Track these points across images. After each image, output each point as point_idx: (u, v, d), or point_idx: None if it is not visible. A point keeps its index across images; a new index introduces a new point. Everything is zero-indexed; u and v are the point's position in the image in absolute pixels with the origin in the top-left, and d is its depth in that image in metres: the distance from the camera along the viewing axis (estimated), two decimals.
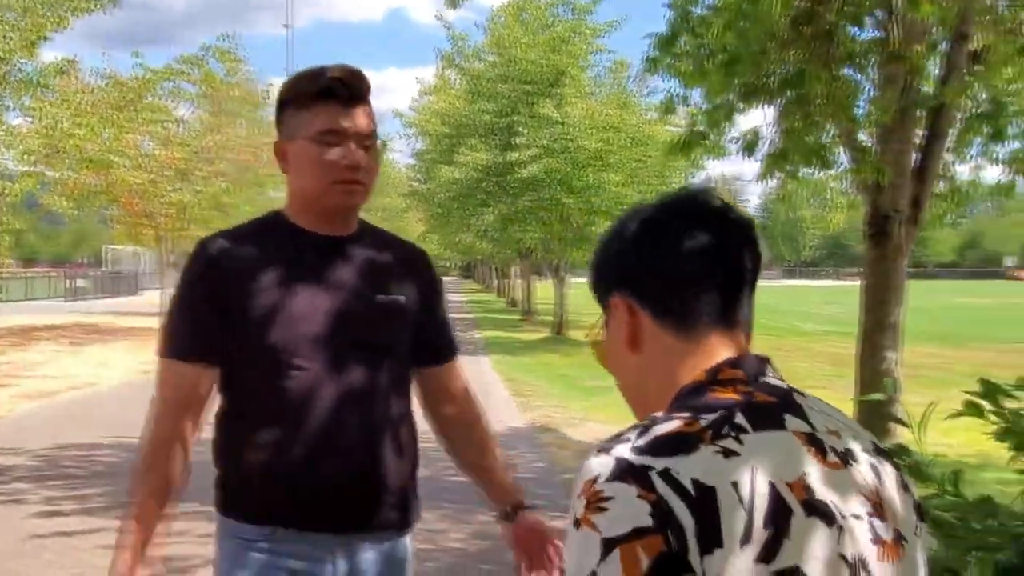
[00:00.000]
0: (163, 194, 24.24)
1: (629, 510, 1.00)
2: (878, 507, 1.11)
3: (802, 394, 1.18)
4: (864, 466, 1.13)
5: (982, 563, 2.60)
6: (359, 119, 2.12)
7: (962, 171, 8.65)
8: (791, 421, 1.11)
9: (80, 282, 45.89)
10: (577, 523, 1.03)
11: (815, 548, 1.03)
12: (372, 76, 2.23)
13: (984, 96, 6.74)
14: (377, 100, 2.22)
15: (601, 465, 1.05)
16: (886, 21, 5.37)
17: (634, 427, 1.10)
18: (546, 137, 22.07)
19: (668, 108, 9.10)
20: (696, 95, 9.38)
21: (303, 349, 2.09)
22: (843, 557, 1.05)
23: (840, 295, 50.41)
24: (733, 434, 1.05)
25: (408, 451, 2.23)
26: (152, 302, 32.44)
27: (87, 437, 9.56)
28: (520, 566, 2.30)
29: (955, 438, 10.05)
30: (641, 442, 1.05)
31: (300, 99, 2.13)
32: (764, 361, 1.18)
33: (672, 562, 0.98)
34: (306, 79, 2.14)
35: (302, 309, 2.11)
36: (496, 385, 15.09)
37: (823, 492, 1.06)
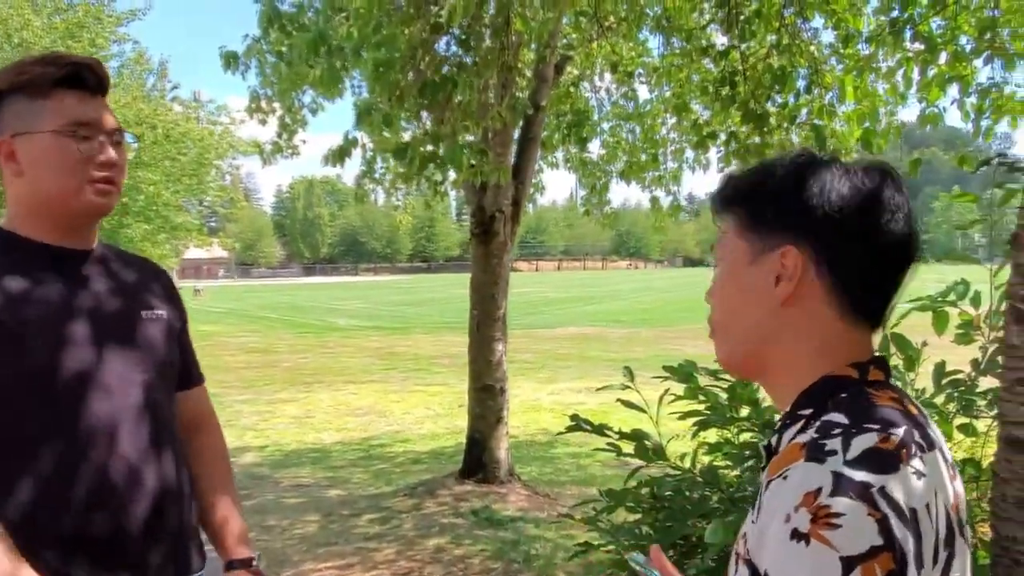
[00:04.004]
0: None
1: (863, 527, 1.00)
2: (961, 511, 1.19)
3: (915, 402, 1.22)
4: (958, 476, 1.19)
5: (718, 526, 2.88)
6: (107, 112, 1.90)
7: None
8: (935, 442, 1.14)
9: None
10: (803, 538, 1.00)
11: (964, 565, 1.11)
12: None
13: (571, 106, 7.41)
14: None
15: (820, 478, 1.02)
16: (503, 34, 5.69)
17: (828, 433, 1.08)
18: None
19: (256, 108, 8.90)
20: (268, 93, 9.43)
21: (71, 377, 1.79)
22: (971, 572, 1.15)
23: (363, 290, 52.26)
24: (920, 455, 1.08)
25: (187, 482, 2.02)
26: None
27: None
28: None
29: (519, 419, 10.99)
30: (852, 456, 1.04)
31: (35, 86, 1.83)
32: (888, 364, 1.21)
33: None
34: (42, 63, 1.85)
35: (64, 331, 1.81)
36: None
37: (962, 512, 1.14)
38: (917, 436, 1.10)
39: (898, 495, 1.02)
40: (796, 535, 1.01)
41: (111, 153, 1.85)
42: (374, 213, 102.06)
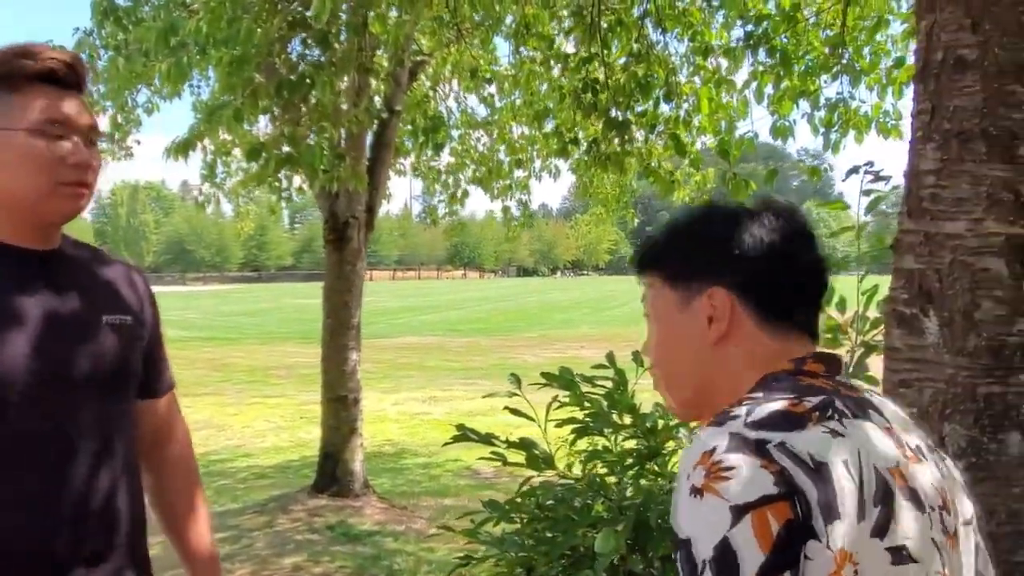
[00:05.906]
0: None
1: (754, 478, 1.03)
2: (945, 501, 1.21)
3: (873, 391, 1.27)
4: (931, 462, 1.23)
5: (608, 535, 2.84)
6: (84, 110, 1.78)
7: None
8: (874, 416, 1.19)
9: None
10: (698, 492, 1.05)
11: (916, 530, 1.11)
12: None
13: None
14: None
15: (716, 438, 1.08)
16: (360, 34, 5.55)
17: (739, 405, 1.14)
18: None
19: (93, 107, 8.42)
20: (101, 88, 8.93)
21: (17, 389, 1.65)
22: (935, 542, 1.14)
23: (192, 300, 50.50)
24: (837, 417, 1.12)
25: (136, 500, 1.87)
26: None
27: None
28: None
29: (365, 430, 10.78)
30: (753, 418, 1.10)
31: (8, 79, 1.71)
32: (840, 361, 1.26)
33: (799, 529, 1.02)
34: (17, 55, 1.72)
35: (13, 339, 1.68)
36: None
37: (914, 481, 1.15)
38: (839, 404, 1.15)
39: (801, 448, 1.07)
40: (693, 491, 1.05)
41: (85, 154, 1.73)
42: (202, 220, 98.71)
